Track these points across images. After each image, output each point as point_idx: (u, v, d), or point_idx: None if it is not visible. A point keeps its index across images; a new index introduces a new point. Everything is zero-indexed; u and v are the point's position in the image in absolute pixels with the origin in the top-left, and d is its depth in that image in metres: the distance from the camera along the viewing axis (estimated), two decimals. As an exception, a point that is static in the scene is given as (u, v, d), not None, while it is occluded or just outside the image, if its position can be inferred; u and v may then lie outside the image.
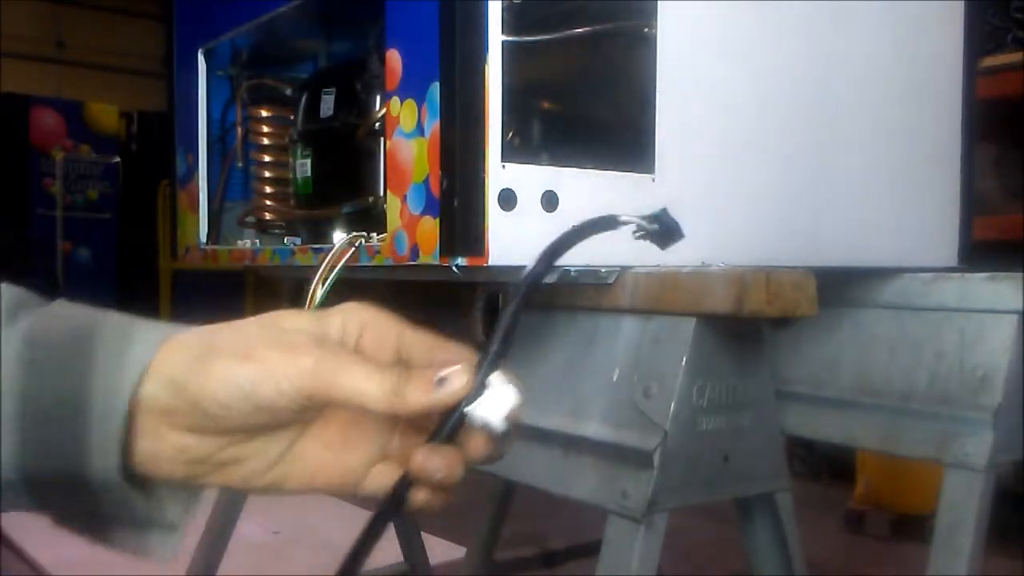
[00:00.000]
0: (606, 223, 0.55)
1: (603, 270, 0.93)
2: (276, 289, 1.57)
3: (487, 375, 0.47)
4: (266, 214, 1.36)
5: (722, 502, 0.96)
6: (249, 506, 1.37)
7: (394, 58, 0.93)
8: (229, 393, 0.46)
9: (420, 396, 0.47)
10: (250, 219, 1.40)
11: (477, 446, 0.48)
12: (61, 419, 0.45)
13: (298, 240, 1.30)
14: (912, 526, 2.86)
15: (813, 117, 1.11)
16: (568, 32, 0.97)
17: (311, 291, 1.00)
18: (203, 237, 1.40)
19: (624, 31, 0.99)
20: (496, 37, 0.86)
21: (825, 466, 3.58)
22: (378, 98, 1.10)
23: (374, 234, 1.02)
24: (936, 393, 1.09)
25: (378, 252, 0.97)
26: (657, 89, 0.96)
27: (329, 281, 1.00)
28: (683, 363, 0.87)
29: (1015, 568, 2.30)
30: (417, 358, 0.50)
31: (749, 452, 0.94)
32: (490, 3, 0.86)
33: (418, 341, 0.51)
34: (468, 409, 0.47)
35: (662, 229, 0.59)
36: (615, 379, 0.93)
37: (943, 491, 1.04)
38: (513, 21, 0.88)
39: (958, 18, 1.25)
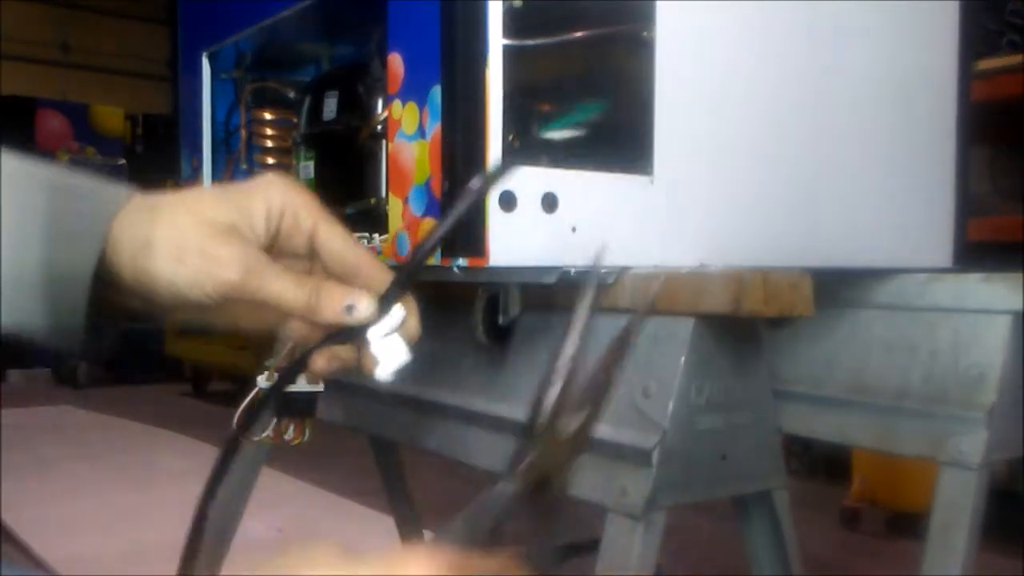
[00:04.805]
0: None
1: (603, 270, 0.94)
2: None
3: (389, 306, 0.58)
4: (269, 215, 1.37)
5: (720, 500, 0.97)
6: (252, 505, 1.38)
7: (396, 61, 0.94)
8: (161, 288, 0.57)
9: (330, 315, 0.57)
10: (254, 220, 1.41)
11: (366, 360, 0.59)
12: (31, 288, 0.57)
13: (301, 241, 1.30)
14: (907, 524, 2.86)
15: (810, 119, 1.12)
16: (568, 36, 0.98)
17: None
18: (207, 238, 1.40)
19: (623, 35, 1.00)
20: (497, 40, 0.87)
21: (821, 464, 3.58)
22: (380, 101, 1.11)
23: (376, 235, 1.03)
24: (931, 392, 1.10)
25: (380, 253, 0.98)
26: (655, 92, 0.97)
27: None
28: (681, 363, 0.88)
29: (1009, 566, 2.30)
30: (329, 254, 0.59)
31: (747, 451, 0.95)
32: (491, 7, 0.87)
33: (333, 238, 0.60)
34: (372, 345, 0.58)
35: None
36: (614, 378, 0.93)
37: (938, 489, 1.05)
38: (513, 25, 0.89)
39: (953, 21, 1.26)
